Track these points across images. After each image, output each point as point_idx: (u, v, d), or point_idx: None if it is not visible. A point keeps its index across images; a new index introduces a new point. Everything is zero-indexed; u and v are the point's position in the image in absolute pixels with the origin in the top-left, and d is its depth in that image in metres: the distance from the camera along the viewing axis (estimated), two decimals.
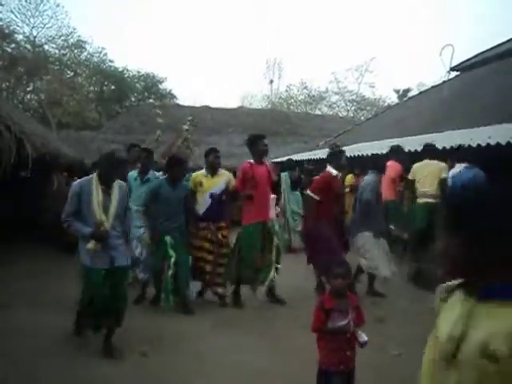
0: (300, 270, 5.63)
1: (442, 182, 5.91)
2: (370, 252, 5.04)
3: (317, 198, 4.98)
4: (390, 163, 6.28)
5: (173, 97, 27.94)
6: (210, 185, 5.04)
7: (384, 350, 3.82)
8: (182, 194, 4.87)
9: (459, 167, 5.77)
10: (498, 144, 5.12)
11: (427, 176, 6.09)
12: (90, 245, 3.40)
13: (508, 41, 11.50)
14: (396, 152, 6.34)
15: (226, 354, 3.44)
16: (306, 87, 31.05)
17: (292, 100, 31.63)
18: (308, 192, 5.14)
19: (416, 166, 6.26)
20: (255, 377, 3.34)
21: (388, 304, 5.08)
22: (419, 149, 6.39)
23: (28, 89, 23.60)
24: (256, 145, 5.00)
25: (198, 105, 19.70)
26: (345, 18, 55.19)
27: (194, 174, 5.23)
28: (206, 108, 18.73)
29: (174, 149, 11.65)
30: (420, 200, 6.28)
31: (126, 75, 26.42)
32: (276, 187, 5.76)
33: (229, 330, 4.24)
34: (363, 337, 2.45)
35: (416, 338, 4.08)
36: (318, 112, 29.10)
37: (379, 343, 3.93)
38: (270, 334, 4.15)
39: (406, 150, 6.51)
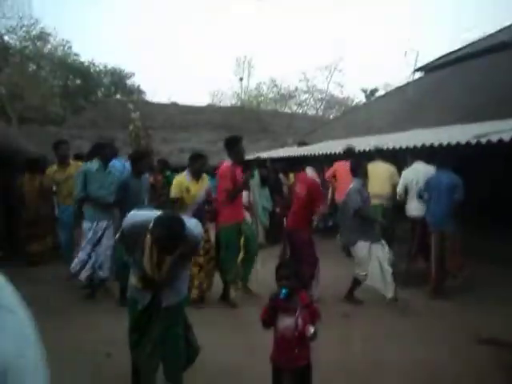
0: (271, 266, 5.61)
1: (394, 187, 6.32)
2: (364, 263, 4.95)
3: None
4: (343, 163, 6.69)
5: (141, 92, 27.45)
6: (197, 190, 4.94)
7: (349, 345, 3.89)
8: (145, 185, 5.24)
9: (417, 165, 6.00)
10: (463, 143, 5.28)
11: (377, 178, 6.15)
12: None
13: (467, 46, 12.15)
14: (349, 153, 6.73)
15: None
16: (275, 85, 31.20)
17: (262, 98, 31.68)
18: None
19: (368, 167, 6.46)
20: (227, 376, 3.33)
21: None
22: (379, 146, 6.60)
23: None
24: (237, 147, 5.02)
25: (166, 101, 19.43)
26: (314, 17, 55.79)
27: (178, 179, 4.99)
28: (175, 105, 18.52)
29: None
30: (373, 201, 6.47)
31: (92, 69, 25.70)
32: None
33: (202, 329, 4.20)
34: (310, 330, 2.45)
35: (379, 331, 4.20)
36: (287, 110, 29.30)
37: (344, 338, 4.01)
38: (243, 333, 4.12)
39: (373, 148, 6.66)
